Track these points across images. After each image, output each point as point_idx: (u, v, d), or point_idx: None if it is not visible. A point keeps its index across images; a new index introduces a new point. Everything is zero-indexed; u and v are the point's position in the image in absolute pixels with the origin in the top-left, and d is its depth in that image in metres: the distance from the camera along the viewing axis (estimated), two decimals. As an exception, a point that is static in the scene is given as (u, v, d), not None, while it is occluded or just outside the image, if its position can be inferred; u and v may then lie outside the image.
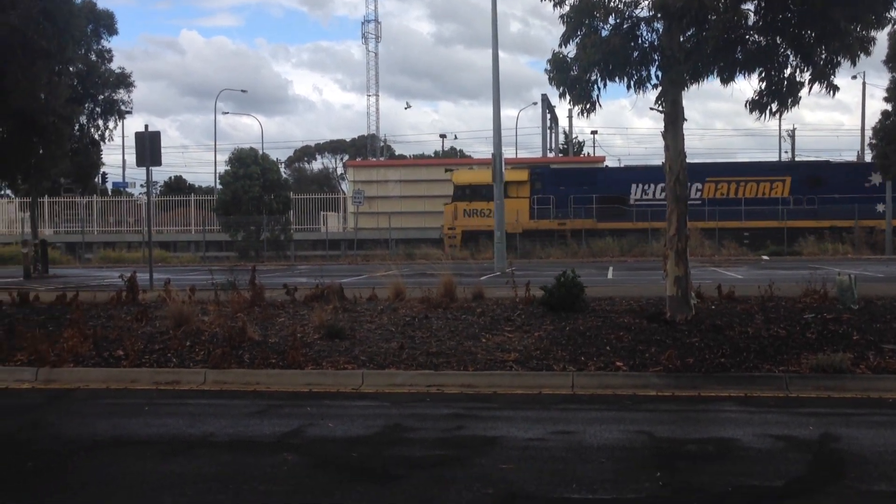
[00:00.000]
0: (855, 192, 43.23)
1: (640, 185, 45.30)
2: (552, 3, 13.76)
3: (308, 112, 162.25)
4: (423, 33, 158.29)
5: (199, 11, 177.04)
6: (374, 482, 7.40)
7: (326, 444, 8.72)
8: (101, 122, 34.05)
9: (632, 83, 13.83)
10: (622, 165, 55.98)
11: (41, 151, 16.57)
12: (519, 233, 43.61)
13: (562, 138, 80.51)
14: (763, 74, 13.23)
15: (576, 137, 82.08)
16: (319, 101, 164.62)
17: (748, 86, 14.13)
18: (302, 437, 9.01)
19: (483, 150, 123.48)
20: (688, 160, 14.78)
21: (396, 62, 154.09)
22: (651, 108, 14.31)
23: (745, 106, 13.60)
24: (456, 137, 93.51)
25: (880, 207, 42.47)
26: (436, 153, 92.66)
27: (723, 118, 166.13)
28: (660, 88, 13.91)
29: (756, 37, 13.08)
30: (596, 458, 7.92)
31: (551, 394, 11.08)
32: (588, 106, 13.97)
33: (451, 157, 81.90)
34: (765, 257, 40.00)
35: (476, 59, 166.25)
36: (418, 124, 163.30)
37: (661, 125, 14.40)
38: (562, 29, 13.53)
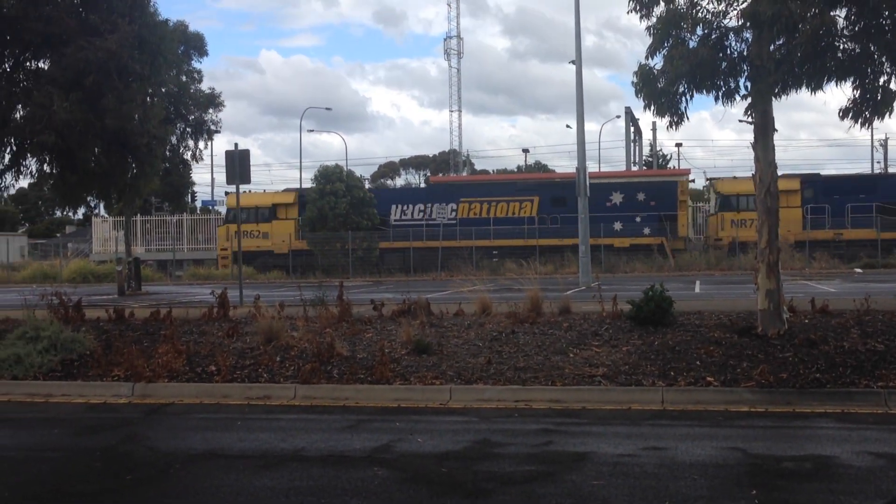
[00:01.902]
0: None
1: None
2: (639, 14, 13.66)
3: (387, 129, 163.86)
4: (498, 49, 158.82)
5: (282, 32, 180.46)
6: (465, 497, 7.40)
7: (416, 459, 8.75)
8: (191, 142, 34.89)
9: (720, 94, 13.62)
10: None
11: (135, 171, 16.95)
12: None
13: (646, 150, 79.74)
14: (856, 83, 12.92)
15: (660, 150, 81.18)
16: (398, 118, 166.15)
17: (837, 94, 13.82)
18: (392, 452, 9.05)
19: (564, 164, 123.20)
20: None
21: (472, 77, 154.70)
22: (740, 120, 14.12)
23: (839, 114, 13.29)
24: (527, 151, 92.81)
25: None
26: (519, 168, 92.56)
27: (807, 129, 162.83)
28: (749, 99, 13.67)
29: (848, 44, 12.79)
30: (689, 476, 7.79)
31: (641, 409, 10.95)
32: (675, 118, 13.81)
33: (535, 172, 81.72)
34: (857, 270, 38.97)
35: (552, 73, 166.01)
36: (496, 139, 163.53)
37: (745, 137, 14.33)
38: (645, 42, 13.43)
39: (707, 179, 49.34)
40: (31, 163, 15.77)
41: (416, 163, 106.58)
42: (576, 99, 31.41)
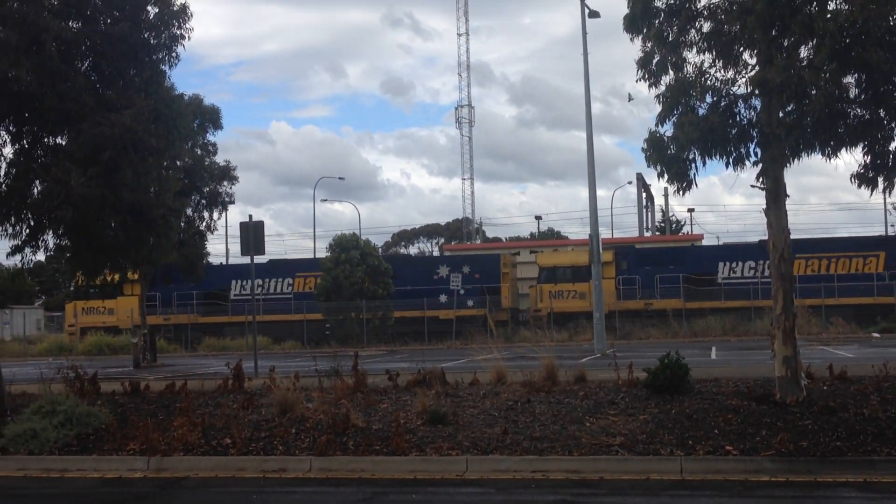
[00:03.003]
0: None
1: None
2: (647, 83, 13.81)
3: (398, 197, 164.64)
4: (505, 117, 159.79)
5: (293, 104, 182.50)
6: (483, 572, 7.31)
7: (433, 533, 8.66)
8: (206, 213, 35.15)
9: (730, 160, 13.71)
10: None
11: (151, 243, 17.06)
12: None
13: (658, 216, 79.89)
14: (867, 148, 12.99)
15: (672, 215, 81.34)
16: (408, 186, 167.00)
17: (849, 159, 13.88)
18: (408, 526, 8.98)
19: (576, 231, 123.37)
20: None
21: (481, 145, 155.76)
22: (752, 186, 14.13)
23: (851, 180, 13.33)
24: (539, 219, 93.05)
25: None
26: (532, 235, 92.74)
27: (818, 193, 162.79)
28: (760, 166, 13.74)
29: (858, 110, 12.88)
30: (710, 547, 7.69)
31: (660, 479, 10.84)
32: (685, 184, 13.89)
33: (548, 239, 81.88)
34: (875, 335, 38.68)
35: (559, 141, 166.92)
36: (507, 206, 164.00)
37: (755, 201, 14.35)
38: (652, 108, 13.61)
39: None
40: (49, 237, 15.90)
41: (429, 231, 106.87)
42: (587, 167, 31.64)
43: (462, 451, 12.23)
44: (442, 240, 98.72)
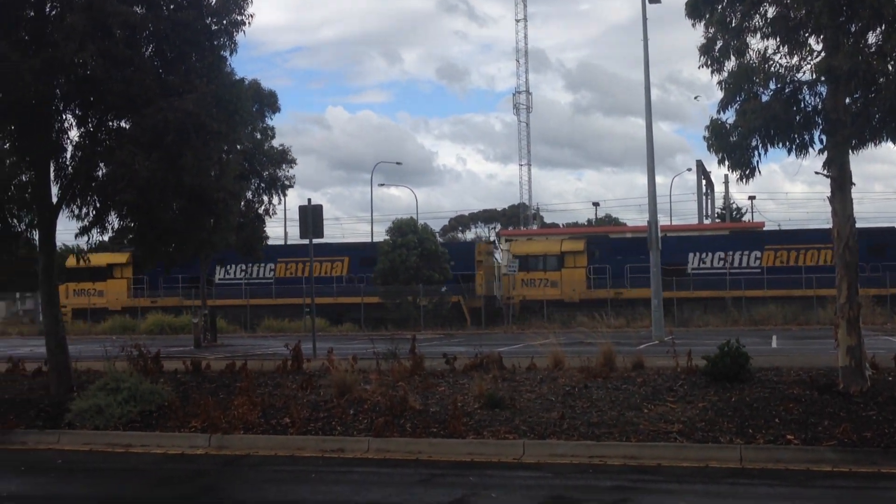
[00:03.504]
0: None
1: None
2: (710, 69, 13.64)
3: (453, 182, 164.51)
4: (562, 103, 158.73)
5: (350, 90, 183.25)
6: (541, 555, 7.33)
7: (490, 515, 8.70)
8: (265, 197, 35.40)
9: (793, 148, 13.49)
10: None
11: (212, 226, 17.28)
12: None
13: (719, 204, 78.95)
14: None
15: (733, 203, 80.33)
16: (463, 172, 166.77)
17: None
18: (466, 508, 9.02)
19: (633, 218, 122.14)
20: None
21: (537, 131, 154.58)
22: (817, 173, 13.89)
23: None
24: (597, 205, 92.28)
25: None
26: (589, 221, 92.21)
27: (883, 181, 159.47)
28: (825, 154, 13.51)
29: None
30: (770, 536, 7.63)
31: (718, 467, 10.76)
32: (747, 172, 13.69)
33: (605, 225, 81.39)
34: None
35: (616, 127, 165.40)
36: (563, 192, 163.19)
37: (817, 189, 14.14)
38: (711, 94, 13.45)
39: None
40: (114, 218, 16.18)
41: (486, 217, 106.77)
42: (646, 154, 31.29)
43: (519, 435, 12.25)
44: (498, 225, 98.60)
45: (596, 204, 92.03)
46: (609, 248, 46.71)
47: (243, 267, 48.67)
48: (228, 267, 49.17)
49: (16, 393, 16.07)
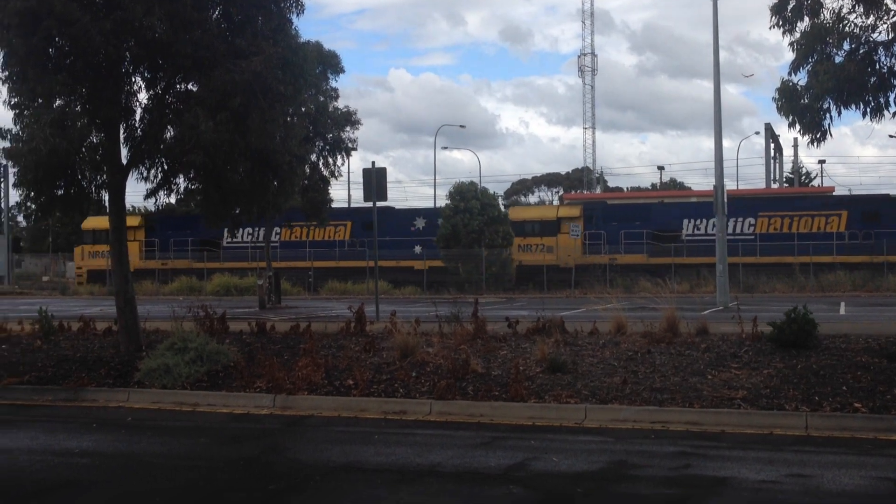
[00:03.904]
0: None
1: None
2: (781, 30, 13.35)
3: (516, 145, 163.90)
4: (626, 65, 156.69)
5: (413, 52, 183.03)
6: (602, 519, 7.34)
7: (551, 479, 8.73)
8: (329, 160, 35.59)
9: (868, 110, 13.18)
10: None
11: (276, 188, 17.44)
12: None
13: (787, 168, 77.50)
14: None
15: (801, 167, 78.77)
16: (526, 135, 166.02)
17: None
18: (527, 471, 9.06)
19: (698, 182, 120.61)
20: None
21: (600, 94, 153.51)
22: (891, 136, 13.58)
23: None
24: (661, 169, 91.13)
25: None
26: (653, 185, 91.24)
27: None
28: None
29: None
30: (835, 505, 7.54)
31: (783, 434, 10.65)
32: (819, 135, 13.43)
33: (670, 189, 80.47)
34: None
35: (681, 90, 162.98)
36: (626, 156, 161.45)
37: (892, 154, 13.72)
38: (778, 56, 13.22)
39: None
40: (181, 180, 16.43)
41: (549, 180, 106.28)
42: (714, 116, 30.81)
43: (581, 399, 12.24)
44: (562, 189, 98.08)
45: (661, 168, 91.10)
46: (605, 214, 47.20)
47: (250, 231, 50.15)
48: (236, 231, 49.32)
49: (87, 351, 16.46)
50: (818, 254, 42.31)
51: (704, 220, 44.59)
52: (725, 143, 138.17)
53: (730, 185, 63.33)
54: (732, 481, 8.43)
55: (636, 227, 45.42)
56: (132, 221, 51.56)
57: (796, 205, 45.53)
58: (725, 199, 31.02)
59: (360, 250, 46.41)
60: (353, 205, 65.41)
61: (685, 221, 45.58)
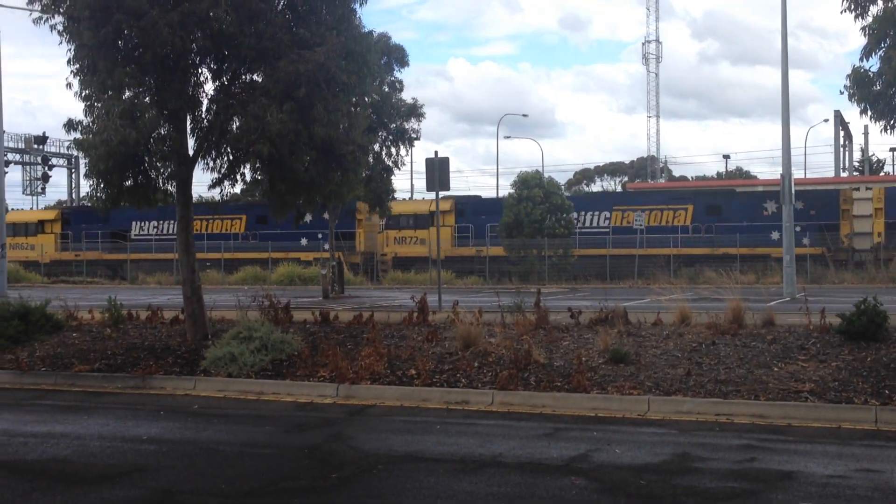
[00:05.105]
0: None
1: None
2: (853, 14, 13.05)
3: (576, 134, 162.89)
4: (687, 52, 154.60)
5: (472, 42, 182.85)
6: (665, 512, 7.28)
7: (614, 470, 8.68)
8: (393, 150, 35.70)
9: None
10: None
11: (340, 178, 17.51)
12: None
13: (857, 156, 75.91)
14: None
15: (872, 155, 77.09)
16: (586, 124, 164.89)
17: None
18: (589, 462, 9.02)
19: (763, 171, 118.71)
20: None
21: (662, 82, 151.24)
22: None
23: None
24: (727, 157, 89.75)
25: None
26: (718, 174, 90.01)
27: None
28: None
29: None
30: (906, 501, 7.38)
31: (852, 428, 10.46)
32: (892, 122, 13.13)
33: (736, 178, 79.30)
34: None
35: (743, 77, 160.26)
36: (687, 145, 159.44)
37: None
38: (844, 42, 12.95)
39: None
40: (246, 171, 16.60)
41: (611, 169, 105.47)
42: (781, 104, 30.21)
43: (644, 390, 12.15)
44: (625, 178, 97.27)
45: (726, 156, 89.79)
46: (475, 208, 49.02)
47: (155, 224, 53.45)
48: (143, 223, 53.88)
49: (155, 340, 16.75)
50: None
51: (597, 214, 46.47)
52: (792, 130, 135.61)
53: (798, 173, 62.27)
54: (799, 475, 8.30)
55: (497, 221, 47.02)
56: (49, 215, 56.23)
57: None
58: (793, 189, 30.45)
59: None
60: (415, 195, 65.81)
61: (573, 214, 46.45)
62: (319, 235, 48.08)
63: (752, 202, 45.51)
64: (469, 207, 48.88)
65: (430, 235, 46.71)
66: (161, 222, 52.95)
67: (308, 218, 48.61)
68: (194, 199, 17.27)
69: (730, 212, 44.94)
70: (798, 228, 42.88)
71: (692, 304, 17.52)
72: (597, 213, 47.53)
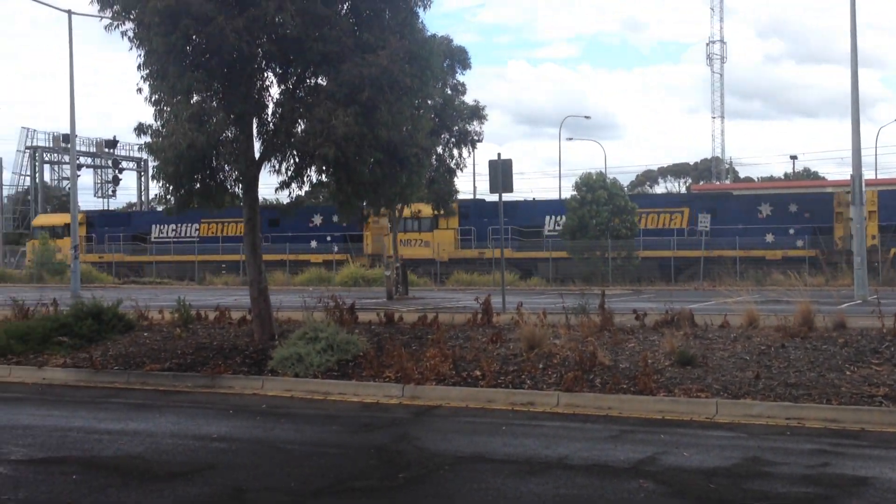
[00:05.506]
0: None
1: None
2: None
3: (638, 136, 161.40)
4: (750, 52, 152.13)
5: (532, 44, 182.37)
6: (736, 516, 7.19)
7: (682, 474, 8.60)
8: (455, 152, 35.74)
9: None
10: None
11: (404, 180, 17.61)
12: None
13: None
14: None
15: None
16: (648, 125, 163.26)
17: None
18: (657, 465, 8.95)
19: (831, 171, 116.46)
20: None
21: (725, 82, 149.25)
22: None
23: None
24: (794, 158, 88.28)
25: None
26: (786, 175, 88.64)
27: None
28: None
29: None
30: None
31: (928, 434, 10.23)
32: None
33: (803, 179, 78.02)
34: None
35: (809, 77, 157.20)
36: (751, 146, 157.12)
37: None
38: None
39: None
40: (312, 173, 16.75)
41: (675, 171, 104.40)
42: (851, 103, 29.66)
43: (712, 393, 12.02)
44: (689, 179, 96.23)
45: (793, 157, 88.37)
46: (478, 211, 49.42)
47: (174, 227, 54.91)
48: (163, 226, 55.23)
49: (223, 340, 16.99)
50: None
51: (563, 217, 46.16)
52: (861, 130, 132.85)
53: (868, 174, 60.97)
54: (875, 481, 8.14)
55: (506, 224, 46.47)
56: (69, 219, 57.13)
57: None
58: (864, 189, 29.86)
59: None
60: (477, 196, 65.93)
61: (547, 218, 47.70)
62: (328, 238, 50.21)
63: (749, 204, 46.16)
64: (472, 210, 49.56)
65: (434, 238, 48.60)
66: (179, 225, 54.68)
67: (318, 221, 50.90)
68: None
69: (725, 214, 45.30)
70: (791, 231, 43.02)
71: (760, 307, 17.26)
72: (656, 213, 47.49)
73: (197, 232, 54.51)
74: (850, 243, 42.20)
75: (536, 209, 49.83)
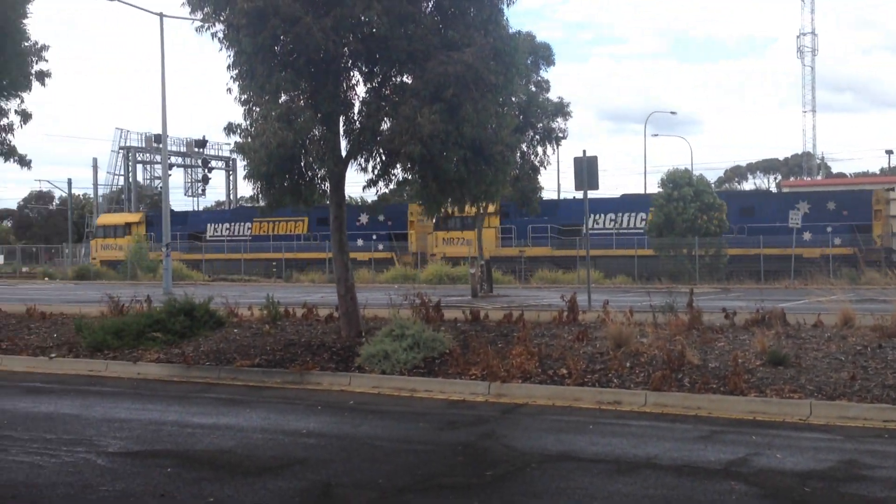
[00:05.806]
0: None
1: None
2: None
3: (723, 131, 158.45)
4: (840, 44, 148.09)
5: (615, 40, 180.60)
6: (832, 520, 7.01)
7: (776, 476, 8.43)
8: (539, 149, 35.62)
9: None
10: None
11: (489, 178, 17.58)
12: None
13: None
14: None
15: None
16: (733, 120, 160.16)
17: None
18: (749, 467, 8.78)
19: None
20: None
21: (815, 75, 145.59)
22: None
23: None
24: (890, 153, 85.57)
25: None
26: (882, 170, 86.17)
27: None
28: None
29: None
30: None
31: None
32: None
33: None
34: None
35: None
36: (844, 140, 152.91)
37: None
38: None
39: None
40: (398, 171, 16.84)
41: (764, 166, 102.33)
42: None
43: (805, 394, 11.74)
44: (779, 176, 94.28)
45: (889, 152, 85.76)
46: (519, 210, 48.52)
47: (228, 226, 58.07)
48: (216, 226, 58.71)
49: (311, 336, 17.19)
50: None
51: (602, 216, 47.77)
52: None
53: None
54: (978, 486, 7.87)
55: (543, 222, 47.77)
56: (134, 218, 60.50)
57: None
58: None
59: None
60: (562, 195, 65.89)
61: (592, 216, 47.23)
62: (374, 237, 51.37)
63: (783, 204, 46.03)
64: (512, 209, 49.27)
65: (474, 236, 48.32)
66: (233, 224, 57.67)
67: (364, 220, 52.24)
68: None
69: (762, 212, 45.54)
70: (829, 229, 42.00)
71: (855, 306, 16.84)
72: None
73: (249, 231, 56.93)
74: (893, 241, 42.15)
75: (576, 207, 49.27)
